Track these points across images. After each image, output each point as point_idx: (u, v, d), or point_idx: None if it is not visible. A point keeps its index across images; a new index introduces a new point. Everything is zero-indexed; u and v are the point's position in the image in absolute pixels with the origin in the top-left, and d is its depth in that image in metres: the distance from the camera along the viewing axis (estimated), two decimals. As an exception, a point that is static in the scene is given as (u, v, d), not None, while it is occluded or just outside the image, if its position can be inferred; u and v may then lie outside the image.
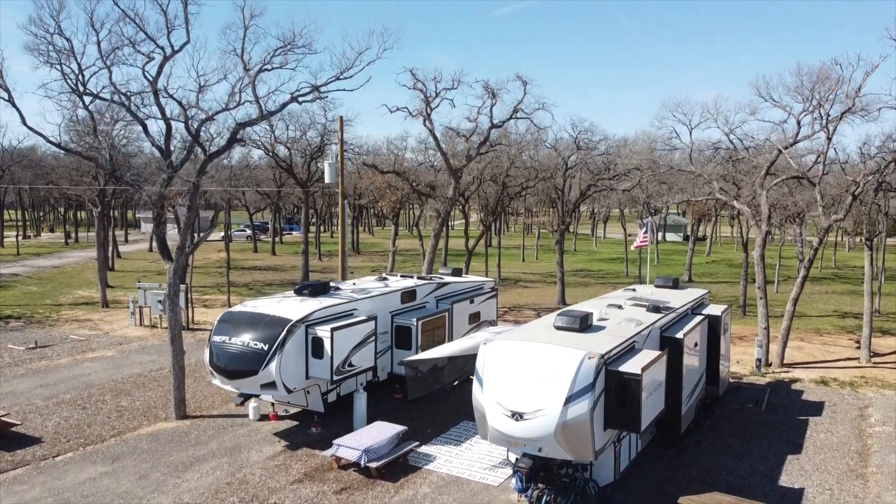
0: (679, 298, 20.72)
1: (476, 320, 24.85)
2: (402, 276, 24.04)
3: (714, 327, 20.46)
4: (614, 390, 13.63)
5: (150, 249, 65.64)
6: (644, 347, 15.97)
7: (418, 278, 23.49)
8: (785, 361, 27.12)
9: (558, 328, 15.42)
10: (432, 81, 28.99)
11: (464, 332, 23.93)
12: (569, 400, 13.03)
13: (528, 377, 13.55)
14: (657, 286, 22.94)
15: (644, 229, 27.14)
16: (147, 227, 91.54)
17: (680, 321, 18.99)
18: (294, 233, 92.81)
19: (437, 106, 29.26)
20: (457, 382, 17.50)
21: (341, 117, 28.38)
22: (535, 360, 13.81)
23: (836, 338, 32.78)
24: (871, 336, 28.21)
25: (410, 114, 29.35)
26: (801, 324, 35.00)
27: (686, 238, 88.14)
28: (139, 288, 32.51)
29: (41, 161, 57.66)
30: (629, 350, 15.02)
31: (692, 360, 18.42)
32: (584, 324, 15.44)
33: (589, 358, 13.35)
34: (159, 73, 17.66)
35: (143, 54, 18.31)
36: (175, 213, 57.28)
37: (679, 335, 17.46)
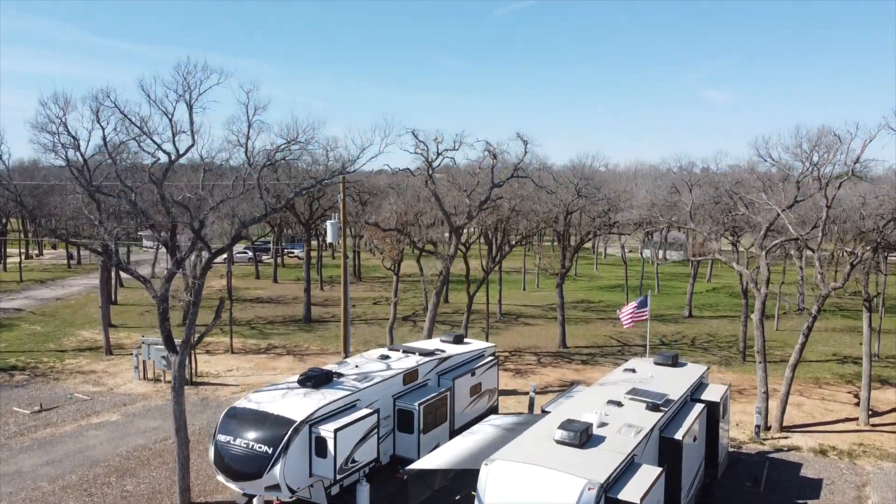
0: (678, 383, 20.91)
1: (478, 391, 25.09)
2: (404, 350, 24.21)
3: (713, 413, 20.66)
4: (614, 518, 13.83)
5: (153, 275, 65.77)
6: (644, 457, 16.19)
7: (420, 354, 23.67)
8: (784, 424, 27.34)
9: (559, 442, 15.63)
10: (434, 142, 29.24)
11: (465, 406, 24.22)
12: (569, 533, 13.23)
13: (529, 506, 13.76)
14: (656, 363, 23.16)
15: (639, 304, 27.27)
16: (148, 244, 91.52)
17: (679, 413, 19.19)
18: (296, 252, 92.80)
19: (439, 165, 29.51)
20: (458, 497, 17.73)
21: (343, 177, 28.56)
22: (535, 486, 14.03)
23: (836, 390, 32.98)
24: (870, 398, 28.38)
25: (412, 174, 29.58)
26: (801, 371, 35.06)
27: (687, 259, 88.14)
28: (143, 343, 32.72)
29: (44, 192, 57.79)
30: (629, 466, 15.22)
31: (692, 456, 18.63)
32: (583, 438, 15.64)
33: (589, 489, 13.56)
34: (165, 176, 17.89)
35: (148, 153, 18.55)
36: (173, 230, 57.35)
37: (678, 436, 17.66)
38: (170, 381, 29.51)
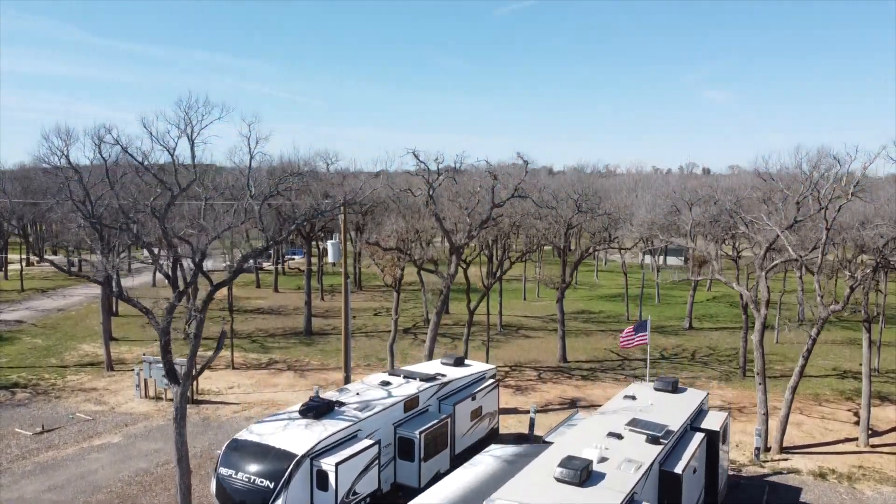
0: (679, 411, 20.98)
1: (478, 415, 25.17)
2: (404, 376, 24.27)
3: (713, 442, 20.72)
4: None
5: (154, 284, 65.95)
6: (644, 493, 16.26)
7: (421, 380, 23.73)
8: (784, 445, 27.38)
9: (558, 480, 15.69)
10: (434, 162, 29.31)
11: (466, 431, 24.30)
12: (569, 577, 13.31)
13: (530, 549, 13.83)
14: (656, 389, 23.25)
15: (637, 328, 27.38)
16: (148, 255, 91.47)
17: (679, 444, 19.26)
18: (296, 258, 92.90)
19: (440, 185, 29.54)
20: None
21: (344, 203, 28.63)
22: (536, 528, 14.10)
23: (836, 408, 33.01)
24: (870, 418, 28.43)
25: (413, 194, 29.65)
26: (801, 387, 34.81)
27: (687, 261, 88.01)
28: (144, 361, 32.81)
29: (43, 205, 57.73)
30: (629, 504, 15.30)
31: (692, 488, 18.70)
32: (583, 476, 15.70)
33: (589, 534, 13.63)
34: (167, 210, 17.96)
35: (150, 185, 18.59)
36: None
37: (678, 469, 17.74)
38: (171, 399, 29.63)
